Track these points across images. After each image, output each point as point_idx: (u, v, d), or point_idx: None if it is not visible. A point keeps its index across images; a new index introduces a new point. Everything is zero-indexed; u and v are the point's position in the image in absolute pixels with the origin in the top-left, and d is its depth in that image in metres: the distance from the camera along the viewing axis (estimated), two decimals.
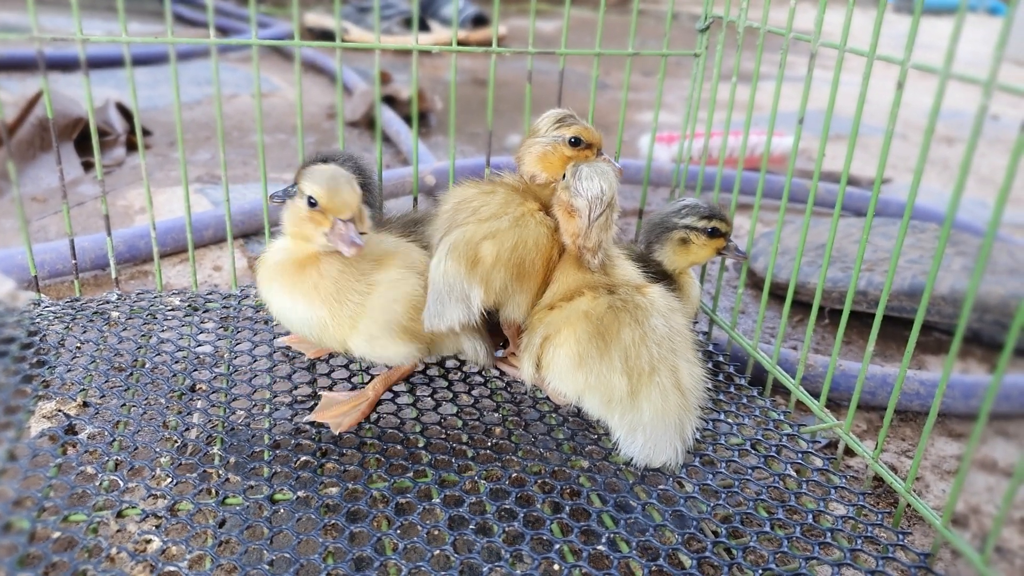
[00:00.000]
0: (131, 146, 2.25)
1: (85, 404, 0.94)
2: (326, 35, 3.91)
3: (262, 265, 0.92)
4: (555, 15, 5.60)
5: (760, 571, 0.76)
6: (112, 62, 3.07)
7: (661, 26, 1.38)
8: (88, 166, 2.04)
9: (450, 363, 1.10)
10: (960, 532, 1.05)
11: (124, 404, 0.94)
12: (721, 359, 1.15)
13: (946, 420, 1.31)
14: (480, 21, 4.08)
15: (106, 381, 0.99)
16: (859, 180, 2.43)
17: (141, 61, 3.18)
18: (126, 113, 2.30)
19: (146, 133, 2.36)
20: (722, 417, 1.01)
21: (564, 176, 0.96)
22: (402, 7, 4.05)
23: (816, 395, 1.08)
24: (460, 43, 3.87)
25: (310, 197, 0.86)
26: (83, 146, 2.11)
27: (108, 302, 1.17)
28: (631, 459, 0.90)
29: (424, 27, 3.96)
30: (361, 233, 0.86)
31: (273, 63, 3.49)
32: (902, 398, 1.28)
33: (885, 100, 0.89)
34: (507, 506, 0.82)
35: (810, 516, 0.84)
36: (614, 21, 5.32)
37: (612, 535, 0.80)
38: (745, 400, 1.06)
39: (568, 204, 0.93)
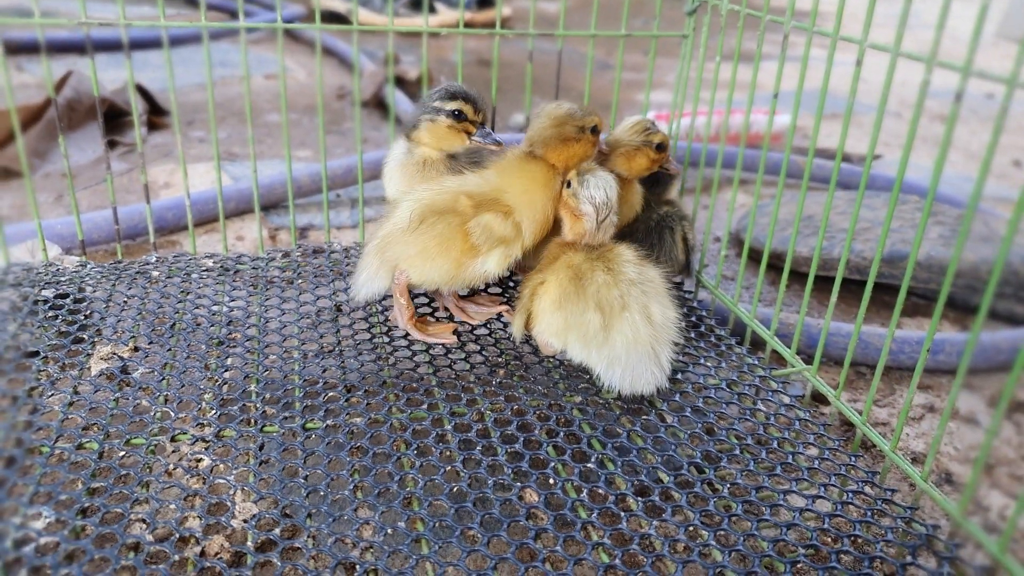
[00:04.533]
0: (152, 125, 2.36)
1: (136, 349, 1.06)
2: (334, 17, 4.00)
3: None
4: None
5: (728, 485, 0.88)
6: (131, 44, 3.17)
7: (665, 6, 1.46)
8: (112, 144, 2.15)
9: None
10: (918, 468, 1.16)
11: (169, 350, 1.06)
12: (704, 314, 1.27)
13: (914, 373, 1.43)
14: (485, 2, 4.16)
15: (152, 330, 1.11)
16: (851, 156, 2.53)
17: (157, 43, 3.29)
18: (145, 94, 2.42)
19: (165, 112, 2.47)
20: (702, 361, 1.12)
21: (569, 184, 1.09)
22: None
23: (800, 353, 1.19)
24: (466, 24, 3.97)
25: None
26: (106, 126, 2.22)
27: (148, 263, 1.29)
28: (616, 391, 1.01)
29: (431, 9, 4.05)
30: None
31: (284, 45, 3.59)
32: (876, 354, 1.40)
33: (879, 79, 0.99)
34: (509, 432, 0.94)
35: (775, 443, 0.96)
36: (618, 1, 5.39)
37: (600, 456, 0.92)
38: (724, 348, 1.17)
39: (575, 209, 1.07)
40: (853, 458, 0.94)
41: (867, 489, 0.90)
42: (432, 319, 1.20)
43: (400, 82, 2.77)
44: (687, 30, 1.38)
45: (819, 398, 1.23)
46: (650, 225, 1.27)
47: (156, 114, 2.45)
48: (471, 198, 1.08)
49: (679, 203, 1.35)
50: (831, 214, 1.91)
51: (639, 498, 0.86)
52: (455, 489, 0.85)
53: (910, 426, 1.29)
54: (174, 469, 0.87)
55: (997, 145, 0.80)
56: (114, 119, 2.32)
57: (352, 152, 2.24)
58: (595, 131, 1.12)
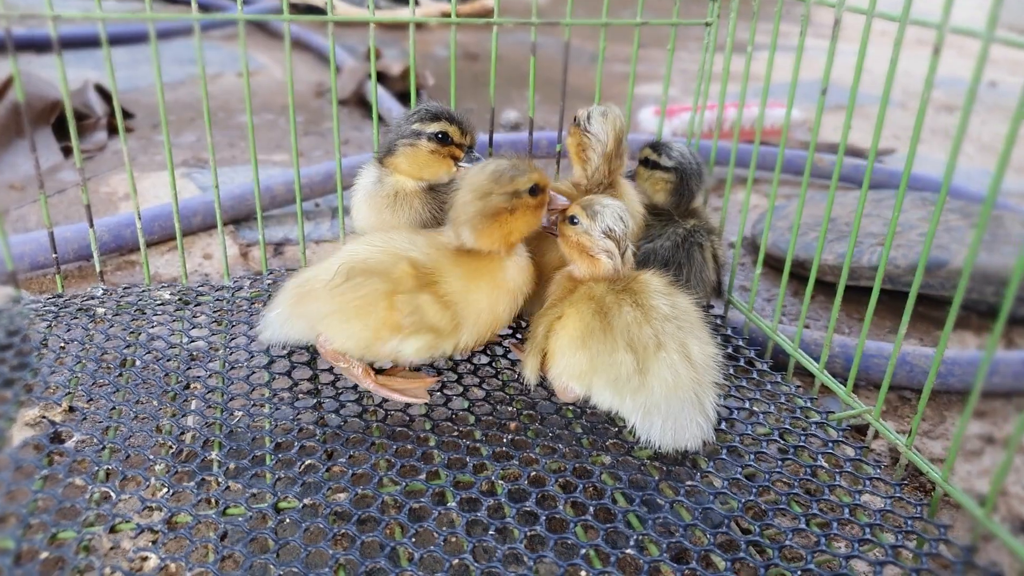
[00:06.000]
0: (113, 129, 2.17)
1: (71, 409, 0.88)
2: (311, 11, 3.80)
3: None
4: None
5: (799, 573, 0.72)
6: (89, 42, 2.96)
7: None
8: (68, 151, 1.96)
9: (458, 355, 1.04)
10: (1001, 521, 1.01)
11: (114, 408, 0.88)
12: (741, 343, 1.10)
13: (967, 397, 1.27)
14: None
15: (93, 383, 0.93)
16: (864, 152, 2.37)
17: (119, 40, 3.08)
18: (106, 95, 2.22)
19: (128, 115, 2.28)
20: (747, 405, 0.96)
21: (573, 219, 0.91)
22: None
23: (837, 375, 1.03)
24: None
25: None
26: (62, 130, 2.02)
27: (93, 298, 1.10)
28: (655, 446, 0.85)
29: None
30: None
31: (258, 40, 3.40)
32: (922, 377, 1.24)
33: (883, 69, 0.85)
34: (527, 508, 0.77)
35: (846, 510, 0.80)
36: None
37: (640, 537, 0.75)
38: (769, 386, 1.01)
39: (590, 248, 0.90)
40: (942, 530, 0.78)
41: (966, 572, 0.74)
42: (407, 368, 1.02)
43: (383, 78, 2.59)
44: (710, 16, 1.21)
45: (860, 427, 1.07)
46: (677, 241, 1.10)
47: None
48: (415, 268, 0.89)
49: (705, 215, 1.18)
50: (851, 216, 1.75)
51: None
52: None
53: (970, 463, 1.14)
54: (112, 573, 0.69)
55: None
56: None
57: (333, 155, 2.06)
58: (535, 191, 0.89)
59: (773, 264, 1.65)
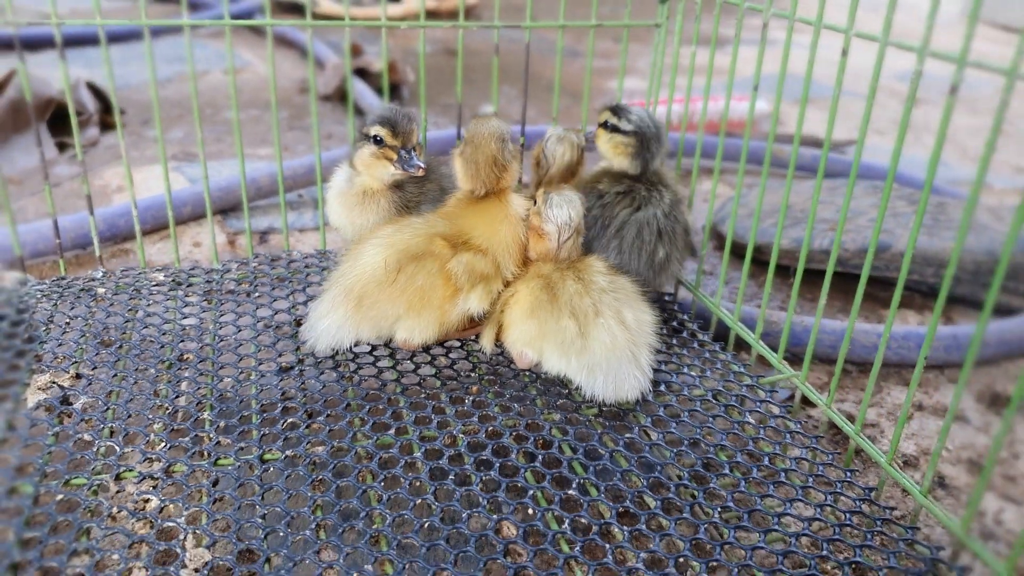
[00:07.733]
0: (104, 125, 2.26)
1: (78, 376, 0.98)
2: (296, 7, 3.88)
3: None
4: None
5: (719, 509, 0.83)
6: (80, 40, 3.04)
7: None
8: (62, 147, 2.05)
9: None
10: (911, 473, 1.12)
11: (115, 375, 0.98)
12: (685, 317, 1.21)
13: (902, 370, 1.38)
14: None
15: (96, 354, 1.03)
16: (821, 142, 2.49)
17: (111, 39, 3.16)
18: (98, 92, 2.31)
19: (121, 111, 2.37)
20: (685, 371, 1.07)
21: (535, 202, 1.06)
22: None
23: (777, 350, 1.14)
24: (431, 13, 3.86)
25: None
26: (55, 127, 2.11)
27: (94, 279, 1.20)
28: (599, 400, 0.97)
29: None
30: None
31: (243, 38, 3.48)
32: (862, 351, 1.35)
33: (856, 64, 0.97)
34: (484, 457, 0.88)
35: (766, 458, 0.91)
36: None
37: (582, 481, 0.86)
38: (708, 355, 1.12)
39: (538, 228, 1.04)
40: (849, 473, 0.89)
41: (865, 508, 0.85)
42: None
43: (365, 74, 2.68)
44: (660, 18, 1.31)
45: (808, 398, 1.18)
46: (665, 211, 1.17)
47: (110, 113, 2.34)
48: (446, 239, 1.03)
49: (672, 182, 1.23)
50: (807, 203, 1.86)
51: (625, 527, 0.80)
52: (426, 525, 0.79)
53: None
54: (119, 512, 0.79)
55: (968, 127, 0.75)
56: (64, 119, 2.21)
57: (315, 149, 2.15)
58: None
59: (736, 251, 1.75)
